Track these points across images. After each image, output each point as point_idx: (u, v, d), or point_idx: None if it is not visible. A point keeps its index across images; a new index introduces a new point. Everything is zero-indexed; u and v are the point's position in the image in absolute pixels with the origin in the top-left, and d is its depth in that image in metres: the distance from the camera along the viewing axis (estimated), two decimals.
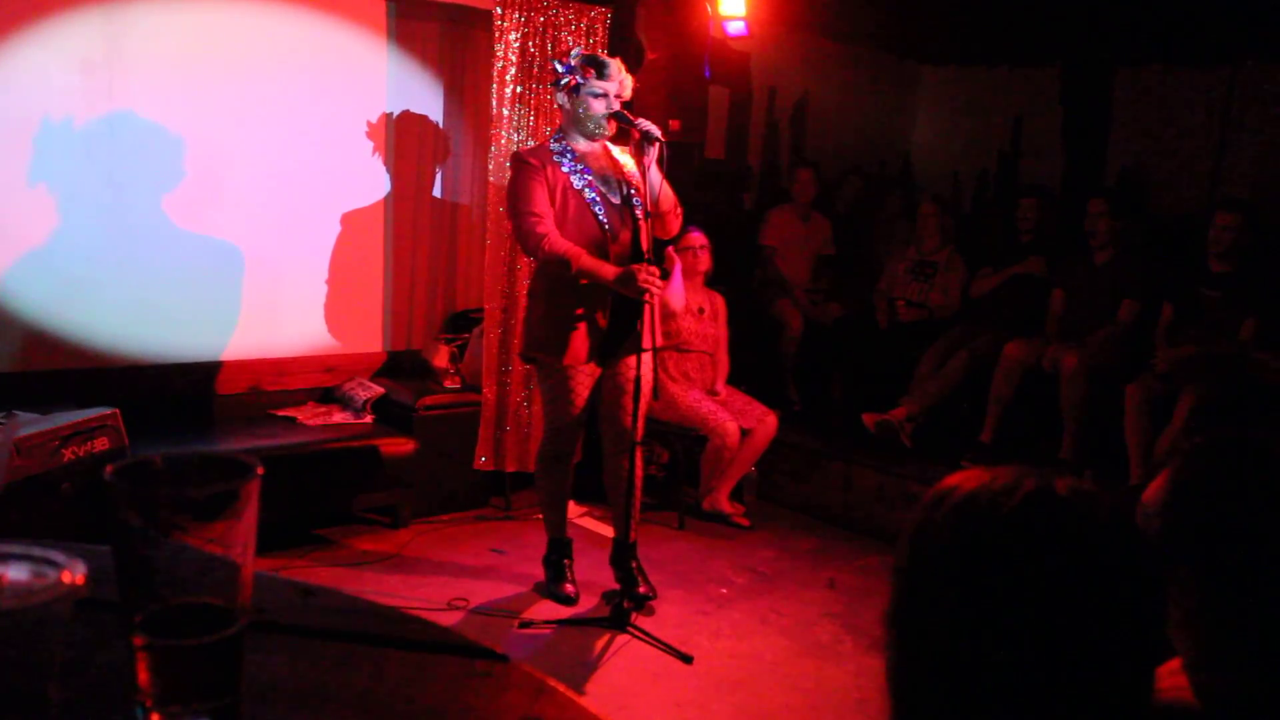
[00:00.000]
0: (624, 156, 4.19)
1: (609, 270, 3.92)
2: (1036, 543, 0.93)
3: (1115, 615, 0.93)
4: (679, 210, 4.23)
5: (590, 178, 4.05)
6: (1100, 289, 5.47)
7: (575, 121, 4.08)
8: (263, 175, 5.16)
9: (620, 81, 4.04)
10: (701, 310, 5.49)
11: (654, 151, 3.88)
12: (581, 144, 4.11)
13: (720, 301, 5.62)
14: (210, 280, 5.09)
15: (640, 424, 4.07)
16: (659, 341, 4.23)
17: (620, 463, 4.23)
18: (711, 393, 5.50)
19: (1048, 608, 0.92)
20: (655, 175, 3.94)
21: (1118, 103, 7.42)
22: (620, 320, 4.10)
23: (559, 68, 4.07)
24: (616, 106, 4.03)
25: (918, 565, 0.99)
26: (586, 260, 3.91)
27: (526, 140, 5.20)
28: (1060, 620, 0.92)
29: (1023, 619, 0.92)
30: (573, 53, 4.11)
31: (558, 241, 3.92)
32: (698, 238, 5.39)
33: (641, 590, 4.31)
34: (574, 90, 4.03)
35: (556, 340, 4.07)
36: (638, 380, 3.98)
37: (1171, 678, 1.29)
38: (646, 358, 4.06)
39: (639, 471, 4.23)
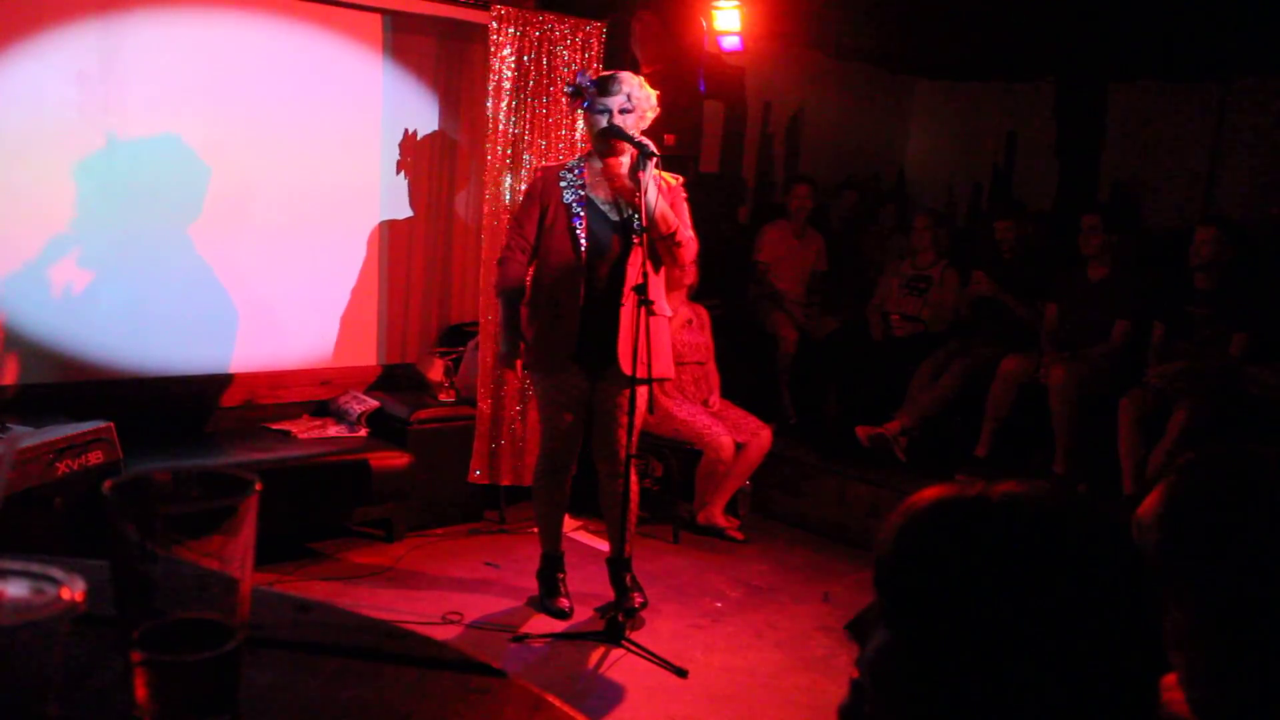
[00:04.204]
0: (653, 181, 4.07)
1: (504, 331, 4.20)
2: (1036, 554, 0.93)
3: (1113, 624, 0.93)
4: (688, 235, 4.10)
5: (584, 194, 4.06)
6: (1095, 304, 5.48)
7: (591, 138, 4.13)
8: (257, 189, 5.16)
9: (628, 95, 3.99)
10: (690, 321, 5.51)
11: (650, 166, 3.87)
12: (599, 162, 4.12)
13: (704, 313, 5.63)
14: (205, 293, 5.09)
15: (634, 440, 4.07)
16: (668, 372, 4.20)
17: (615, 484, 4.22)
18: (705, 404, 5.51)
19: (1051, 617, 0.91)
20: (653, 193, 3.92)
21: (1111, 117, 7.45)
22: (599, 331, 4.07)
23: (567, 88, 4.11)
24: (630, 122, 3.98)
25: (904, 584, 0.99)
26: (503, 319, 4.19)
27: (522, 155, 5.22)
28: (1063, 630, 0.91)
29: (1026, 631, 0.91)
30: (580, 72, 4.13)
31: (507, 274, 4.15)
32: None
33: (636, 603, 4.31)
34: (587, 109, 4.05)
35: (538, 349, 4.12)
36: (632, 406, 3.95)
37: (1166, 693, 1.29)
38: (642, 388, 4.02)
39: (634, 488, 4.24)
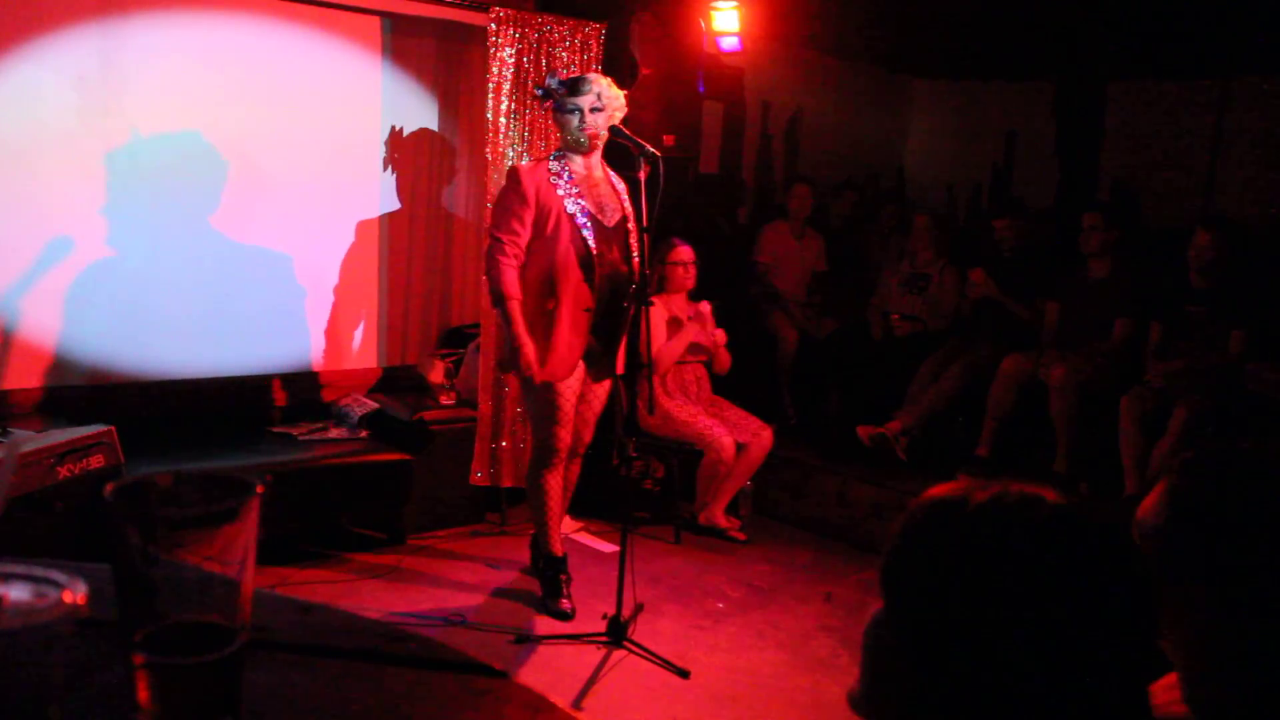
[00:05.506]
0: (617, 180, 4.30)
1: (522, 338, 4.02)
2: (1041, 559, 0.93)
3: (1105, 627, 0.93)
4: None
5: (584, 203, 4.11)
6: (1095, 303, 5.47)
7: (564, 139, 4.17)
8: (257, 192, 5.16)
9: (597, 94, 4.08)
10: (690, 318, 5.48)
11: (650, 168, 3.92)
12: (577, 162, 4.15)
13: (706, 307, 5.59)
14: (205, 296, 5.08)
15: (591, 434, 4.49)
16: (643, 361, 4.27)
17: (574, 466, 4.51)
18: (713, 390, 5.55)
19: (1049, 619, 0.91)
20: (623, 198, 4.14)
21: (1111, 116, 7.45)
22: (605, 334, 4.19)
23: (538, 91, 4.21)
24: (600, 121, 4.08)
25: (910, 586, 0.99)
26: (517, 317, 4.02)
27: (521, 155, 5.21)
28: (1057, 633, 0.91)
29: (1030, 634, 0.91)
30: (549, 74, 4.22)
31: (508, 280, 4.03)
32: (687, 252, 5.39)
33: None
34: (556, 109, 4.13)
35: (548, 358, 4.10)
36: (634, 401, 4.06)
37: (1167, 693, 1.29)
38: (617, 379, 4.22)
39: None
